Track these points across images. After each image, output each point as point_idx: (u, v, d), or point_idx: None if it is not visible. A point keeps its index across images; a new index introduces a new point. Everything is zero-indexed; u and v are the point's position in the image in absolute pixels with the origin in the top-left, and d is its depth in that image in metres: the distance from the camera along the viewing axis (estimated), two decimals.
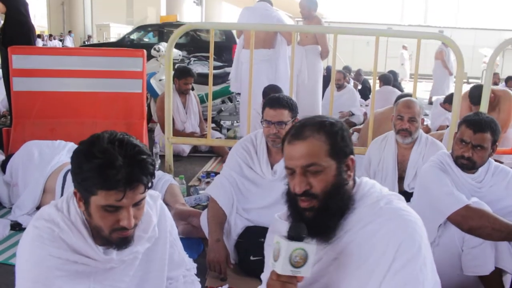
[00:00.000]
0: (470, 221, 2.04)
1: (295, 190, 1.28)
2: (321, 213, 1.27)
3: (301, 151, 1.28)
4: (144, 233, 1.50)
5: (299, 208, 1.29)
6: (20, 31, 4.79)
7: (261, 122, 2.59)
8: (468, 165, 2.24)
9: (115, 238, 1.38)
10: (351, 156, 1.32)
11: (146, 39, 12.07)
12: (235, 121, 6.57)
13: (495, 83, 7.80)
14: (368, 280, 1.22)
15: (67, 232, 1.38)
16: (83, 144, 1.34)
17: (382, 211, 1.27)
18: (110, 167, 1.27)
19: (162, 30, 11.83)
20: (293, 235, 1.17)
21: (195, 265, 1.83)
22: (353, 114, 7.07)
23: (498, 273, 2.11)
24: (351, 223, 1.29)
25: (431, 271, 1.25)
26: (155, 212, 1.56)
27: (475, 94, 4.26)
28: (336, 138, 1.29)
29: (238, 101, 6.20)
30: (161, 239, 1.59)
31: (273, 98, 2.61)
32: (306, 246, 1.16)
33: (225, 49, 10.19)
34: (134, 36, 12.08)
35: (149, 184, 1.35)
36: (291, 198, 1.31)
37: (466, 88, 4.57)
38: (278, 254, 1.16)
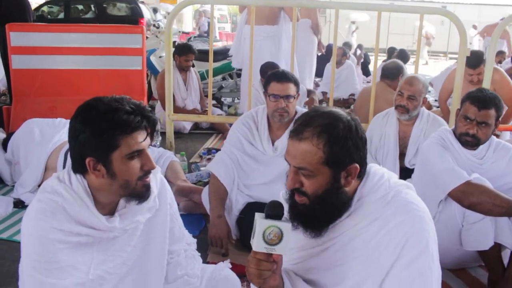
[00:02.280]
0: (471, 197, 2.04)
1: (287, 185, 1.27)
2: (310, 211, 1.25)
3: (295, 152, 1.23)
4: (145, 202, 1.52)
5: (293, 199, 1.28)
6: (15, 8, 4.72)
7: (268, 96, 2.54)
8: (472, 142, 2.23)
9: (141, 187, 1.43)
10: (355, 165, 1.23)
11: (60, 16, 11.68)
12: (235, 98, 6.54)
13: (499, 62, 7.65)
14: (370, 274, 1.22)
15: (70, 201, 1.40)
16: (84, 111, 1.39)
17: (389, 206, 1.24)
18: (125, 113, 1.36)
19: (69, 6, 11.54)
20: (270, 213, 1.18)
21: (195, 240, 1.85)
22: (354, 94, 7.02)
23: (497, 248, 2.13)
24: (358, 217, 1.27)
25: (437, 265, 1.24)
26: (155, 184, 1.58)
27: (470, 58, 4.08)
28: (336, 147, 1.20)
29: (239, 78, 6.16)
30: (162, 211, 1.62)
31: (278, 72, 2.60)
32: (280, 224, 1.17)
33: (130, 22, 10.20)
34: (39, 13, 11.64)
35: (154, 133, 1.46)
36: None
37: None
38: (254, 231, 1.18)
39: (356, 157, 1.23)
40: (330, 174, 1.22)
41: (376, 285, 1.22)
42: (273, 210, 1.18)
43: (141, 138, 1.39)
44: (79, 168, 1.41)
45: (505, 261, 2.18)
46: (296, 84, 2.55)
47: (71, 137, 1.39)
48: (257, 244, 1.16)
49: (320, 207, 1.23)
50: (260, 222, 1.16)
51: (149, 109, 1.44)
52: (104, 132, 1.34)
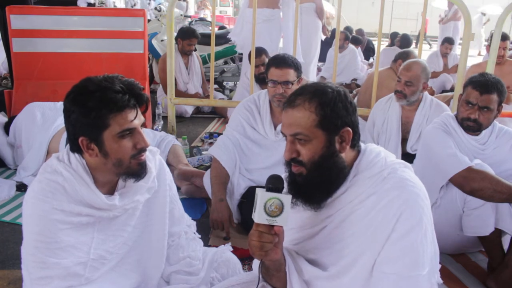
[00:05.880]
0: (472, 183, 2.04)
1: (284, 155, 1.30)
2: (309, 181, 1.27)
3: (290, 120, 1.28)
4: (144, 182, 1.53)
5: (291, 172, 1.30)
6: None
7: (267, 82, 2.54)
8: (474, 127, 2.23)
9: (135, 165, 1.44)
10: (347, 128, 1.27)
11: None
12: (237, 82, 6.52)
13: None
14: (366, 249, 1.24)
15: (70, 180, 1.41)
16: (74, 91, 1.38)
17: (385, 182, 1.25)
18: (113, 92, 1.35)
19: None
20: (270, 186, 1.22)
21: (194, 222, 1.86)
22: (356, 79, 6.98)
23: (498, 233, 2.14)
24: (353, 193, 1.28)
25: (431, 242, 1.25)
26: (154, 165, 1.60)
27: None
28: (327, 109, 1.24)
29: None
30: (161, 192, 1.64)
31: (278, 57, 2.56)
32: (281, 196, 1.21)
33: (65, 3, 10.06)
34: None
35: (146, 110, 1.46)
36: (287, 161, 1.32)
37: None
38: (256, 204, 1.21)
39: (347, 120, 1.27)
40: (325, 137, 1.26)
41: (372, 259, 1.23)
42: (273, 183, 1.22)
43: (131, 117, 1.38)
44: (75, 147, 1.42)
45: (505, 246, 2.19)
46: (297, 69, 2.51)
47: (65, 117, 1.40)
48: (259, 216, 1.20)
49: (317, 174, 1.26)
50: (262, 194, 1.20)
51: (141, 87, 1.43)
52: (91, 111, 1.34)
